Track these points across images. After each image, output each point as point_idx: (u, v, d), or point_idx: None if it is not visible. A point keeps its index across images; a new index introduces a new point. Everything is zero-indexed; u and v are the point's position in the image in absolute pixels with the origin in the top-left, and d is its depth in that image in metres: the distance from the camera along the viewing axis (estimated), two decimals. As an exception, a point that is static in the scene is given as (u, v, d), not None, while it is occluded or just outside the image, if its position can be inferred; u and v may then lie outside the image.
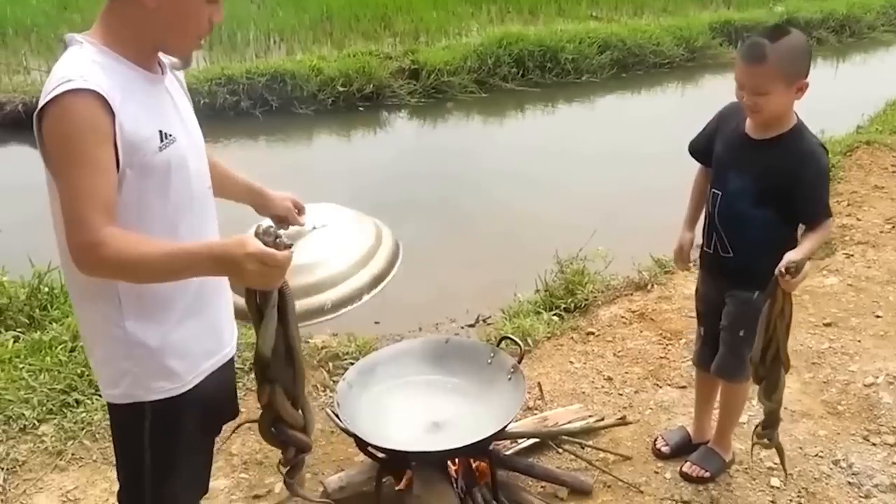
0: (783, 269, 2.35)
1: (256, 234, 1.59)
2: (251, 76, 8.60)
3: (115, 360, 1.85)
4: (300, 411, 1.88)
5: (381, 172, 7.33)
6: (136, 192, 1.72)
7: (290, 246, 1.60)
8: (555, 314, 4.28)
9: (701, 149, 2.86)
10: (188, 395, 1.90)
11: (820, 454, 3.17)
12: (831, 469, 3.09)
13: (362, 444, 2.68)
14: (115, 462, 2.03)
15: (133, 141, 1.67)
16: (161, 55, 1.87)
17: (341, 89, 8.92)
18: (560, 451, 3.14)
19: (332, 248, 2.35)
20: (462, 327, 4.63)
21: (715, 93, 10.36)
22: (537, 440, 3.16)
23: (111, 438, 2.05)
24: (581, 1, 13.62)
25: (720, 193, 2.71)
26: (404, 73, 9.56)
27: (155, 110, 1.77)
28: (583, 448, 3.16)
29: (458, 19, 12.18)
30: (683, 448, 3.14)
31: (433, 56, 9.69)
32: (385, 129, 8.95)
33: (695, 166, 2.99)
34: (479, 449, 2.69)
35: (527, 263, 4.91)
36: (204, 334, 1.95)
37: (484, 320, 4.65)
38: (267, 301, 1.68)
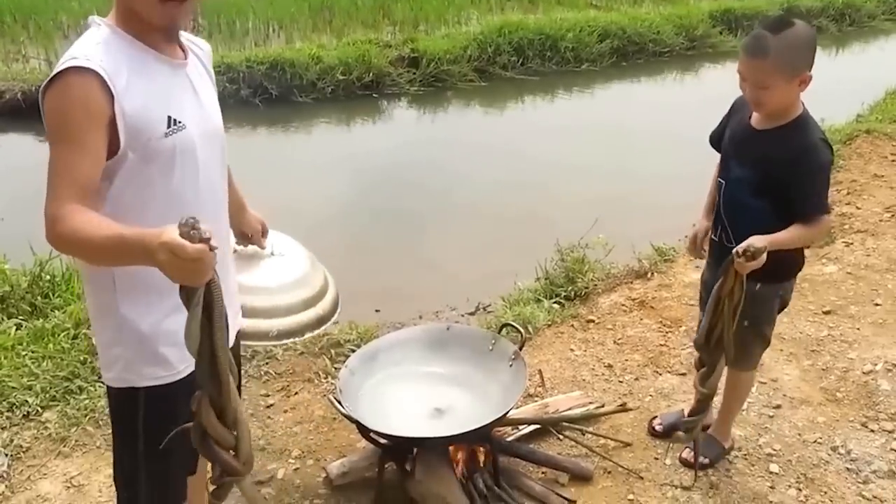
0: (739, 251, 2.35)
1: (178, 224, 1.46)
2: (250, 64, 8.60)
3: (111, 344, 1.87)
4: (234, 429, 1.68)
5: (380, 160, 7.35)
6: (138, 176, 1.74)
7: (207, 240, 1.45)
8: (555, 302, 4.29)
9: (717, 139, 2.86)
10: (182, 383, 1.91)
11: (819, 440, 3.18)
12: (830, 455, 3.11)
13: (364, 431, 2.70)
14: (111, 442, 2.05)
15: (136, 124, 1.69)
16: (188, 42, 1.90)
17: (341, 77, 8.92)
18: (561, 437, 3.16)
19: (288, 281, 2.52)
20: (462, 315, 4.64)
21: (715, 81, 10.39)
22: (538, 427, 3.18)
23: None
24: (581, -11, 13.60)
25: (724, 182, 2.72)
26: (404, 61, 9.56)
27: (166, 95, 1.77)
28: (583, 434, 3.18)
29: (457, 8, 12.16)
30: (677, 428, 3.15)
31: (433, 45, 9.68)
32: (385, 118, 8.95)
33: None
34: (481, 435, 2.70)
35: (527, 251, 4.92)
36: None
37: (484, 308, 4.66)
38: (190, 297, 1.52)
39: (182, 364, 1.90)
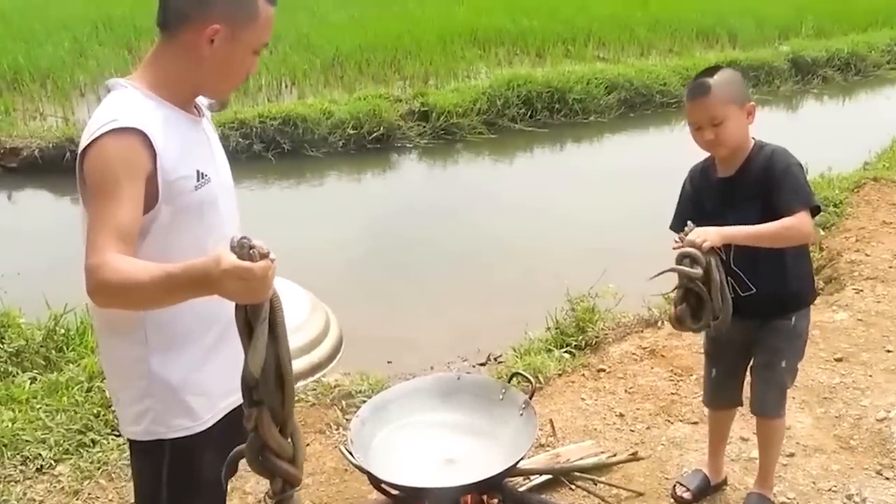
0: (682, 236, 2.50)
1: (231, 248, 1.50)
2: (263, 120, 8.73)
3: (140, 398, 1.90)
4: (290, 440, 1.74)
5: (391, 212, 7.42)
6: (167, 229, 1.80)
7: (267, 254, 1.51)
8: (566, 351, 4.30)
9: (682, 222, 2.73)
10: (206, 433, 1.94)
11: (833, 489, 3.16)
12: (845, 504, 3.09)
13: (376, 481, 2.70)
14: (133, 496, 2.07)
15: (172, 179, 1.76)
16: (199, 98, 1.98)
17: (352, 132, 9.04)
18: (573, 487, 3.15)
19: None
20: (473, 366, 4.66)
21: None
22: (550, 476, 3.17)
23: (128, 476, 2.09)
24: (588, 43, 13.79)
25: None
26: (414, 115, 9.68)
27: (193, 150, 1.86)
28: (595, 484, 3.16)
29: (466, 62, 12.35)
30: (704, 491, 3.12)
31: (442, 98, 9.82)
32: (395, 171, 9.05)
33: None
34: (492, 485, 2.70)
35: (537, 301, 4.95)
36: (225, 373, 1.97)
37: (495, 359, 4.68)
38: (257, 315, 1.56)
39: (208, 414, 1.94)
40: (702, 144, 2.65)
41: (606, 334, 4.50)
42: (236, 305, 1.57)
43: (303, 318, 2.54)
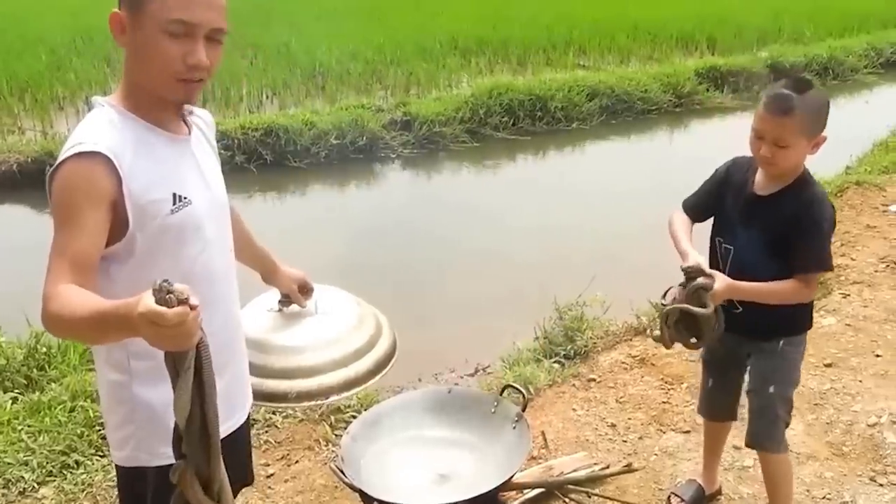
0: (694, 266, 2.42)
1: (152, 291, 1.37)
2: (245, 131, 8.68)
3: (123, 423, 1.85)
4: (217, 499, 1.61)
5: (375, 223, 7.37)
6: (147, 256, 1.73)
7: (185, 301, 1.36)
8: (555, 361, 4.27)
9: (695, 207, 2.76)
10: None
11: (828, 496, 3.14)
12: (839, 511, 3.07)
13: (368, 500, 2.64)
14: None
15: (142, 203, 1.69)
16: (193, 116, 1.91)
17: (334, 142, 8.99)
18: (567, 500, 3.11)
19: (320, 340, 2.35)
20: (462, 377, 4.62)
21: (703, 137, 10.52)
22: (543, 490, 3.13)
23: (114, 498, 2.04)
24: (568, 50, 13.84)
25: (731, 249, 2.64)
26: (396, 124, 9.66)
27: (171, 171, 1.77)
28: (589, 497, 3.12)
29: (447, 71, 12.35)
30: (699, 501, 3.09)
31: (425, 107, 9.80)
32: (379, 180, 9.01)
33: None
34: (486, 500, 2.65)
35: (525, 311, 4.92)
36: None
37: (483, 369, 4.64)
38: (181, 363, 1.44)
39: None
40: (755, 152, 2.51)
41: (595, 343, 4.47)
42: (165, 353, 1.46)
43: (342, 331, 2.42)
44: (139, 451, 1.85)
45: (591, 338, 4.49)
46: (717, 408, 2.98)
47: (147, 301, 1.36)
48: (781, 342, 2.61)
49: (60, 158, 1.65)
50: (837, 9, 17.54)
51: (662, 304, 2.56)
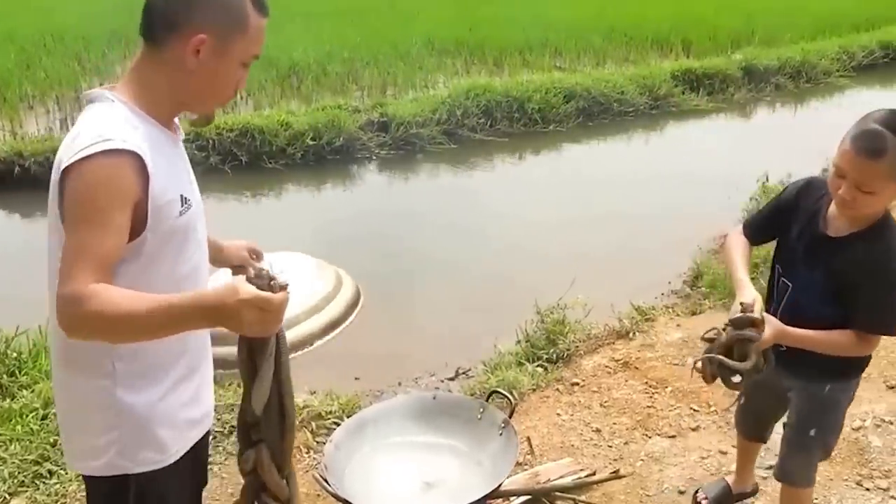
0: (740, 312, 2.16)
1: (248, 279, 1.48)
2: (219, 132, 8.55)
3: (104, 430, 1.77)
4: (285, 482, 1.71)
5: (352, 225, 7.29)
6: (151, 256, 1.69)
7: (285, 287, 1.49)
8: (538, 365, 4.22)
9: (763, 230, 2.54)
10: (171, 468, 1.83)
11: (816, 501, 3.12)
12: (827, 516, 3.05)
13: (353, 509, 2.59)
14: None
15: (160, 204, 1.66)
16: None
17: (311, 143, 8.89)
18: (553, 507, 3.07)
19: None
20: (442, 381, 4.56)
21: (680, 139, 10.56)
22: (530, 497, 3.08)
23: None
24: (544, 52, 13.82)
25: (790, 286, 2.43)
26: (373, 125, 9.57)
27: (176, 173, 1.76)
28: (576, 503, 3.09)
29: (424, 72, 12.28)
30: (724, 500, 3.06)
31: (401, 108, 9.73)
32: (355, 181, 8.92)
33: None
34: (473, 509, 2.60)
35: (505, 313, 4.88)
36: (191, 403, 1.88)
37: (465, 373, 4.59)
38: (264, 350, 1.54)
39: (176, 446, 1.83)
40: (833, 191, 2.21)
41: (578, 346, 4.44)
42: (239, 339, 1.55)
43: (309, 277, 2.38)
44: (122, 459, 1.78)
45: (573, 341, 4.45)
46: (747, 427, 2.93)
47: (249, 288, 1.48)
48: (829, 386, 2.44)
49: (84, 153, 1.57)
50: (810, 11, 17.67)
51: (705, 340, 2.33)
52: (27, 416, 3.49)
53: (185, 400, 1.85)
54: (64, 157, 1.60)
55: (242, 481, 1.67)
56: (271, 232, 7.14)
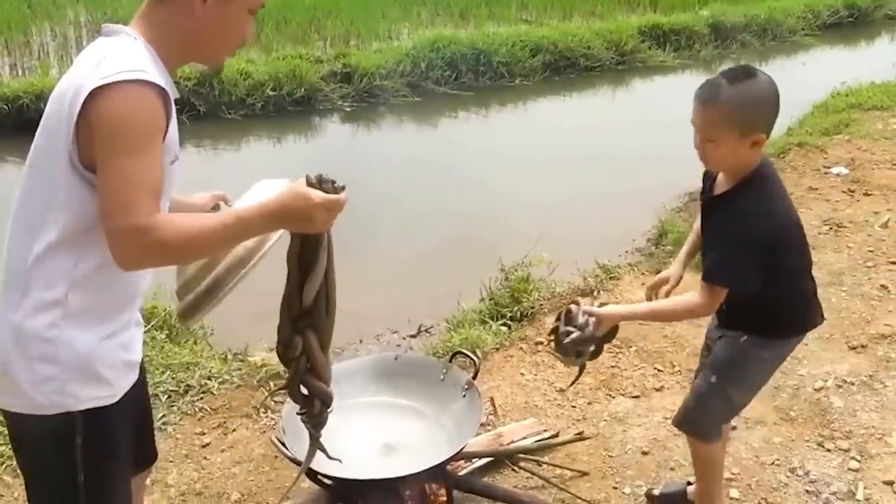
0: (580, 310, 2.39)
1: (310, 184, 1.65)
2: (176, 81, 8.24)
3: (40, 362, 1.65)
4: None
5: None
6: None
7: (343, 188, 1.69)
8: (502, 324, 4.17)
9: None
10: (117, 408, 1.74)
11: (777, 462, 3.12)
12: (788, 477, 3.04)
13: (311, 473, 2.51)
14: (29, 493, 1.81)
15: (169, 145, 1.66)
16: None
17: (271, 93, 8.69)
18: (516, 469, 3.02)
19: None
20: (404, 338, 4.50)
21: (646, 95, 10.50)
22: (492, 458, 3.04)
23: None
24: (511, 4, 13.64)
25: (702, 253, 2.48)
26: (336, 76, 9.38)
27: (175, 124, 1.73)
28: (539, 465, 3.04)
29: (388, 22, 12.05)
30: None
31: (365, 60, 9.53)
32: (317, 134, 8.76)
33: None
34: (435, 473, 2.55)
35: (468, 271, 4.81)
36: (129, 348, 1.80)
37: (427, 330, 4.53)
38: (320, 244, 1.71)
39: (121, 383, 1.76)
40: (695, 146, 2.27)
41: (542, 304, 4.38)
42: (292, 238, 1.72)
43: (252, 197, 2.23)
44: (63, 396, 1.66)
45: (537, 299, 4.40)
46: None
47: (317, 192, 1.64)
48: (745, 337, 2.39)
49: (118, 77, 1.52)
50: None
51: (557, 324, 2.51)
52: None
53: (124, 344, 1.78)
54: (87, 81, 1.54)
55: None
56: (230, 184, 6.95)
